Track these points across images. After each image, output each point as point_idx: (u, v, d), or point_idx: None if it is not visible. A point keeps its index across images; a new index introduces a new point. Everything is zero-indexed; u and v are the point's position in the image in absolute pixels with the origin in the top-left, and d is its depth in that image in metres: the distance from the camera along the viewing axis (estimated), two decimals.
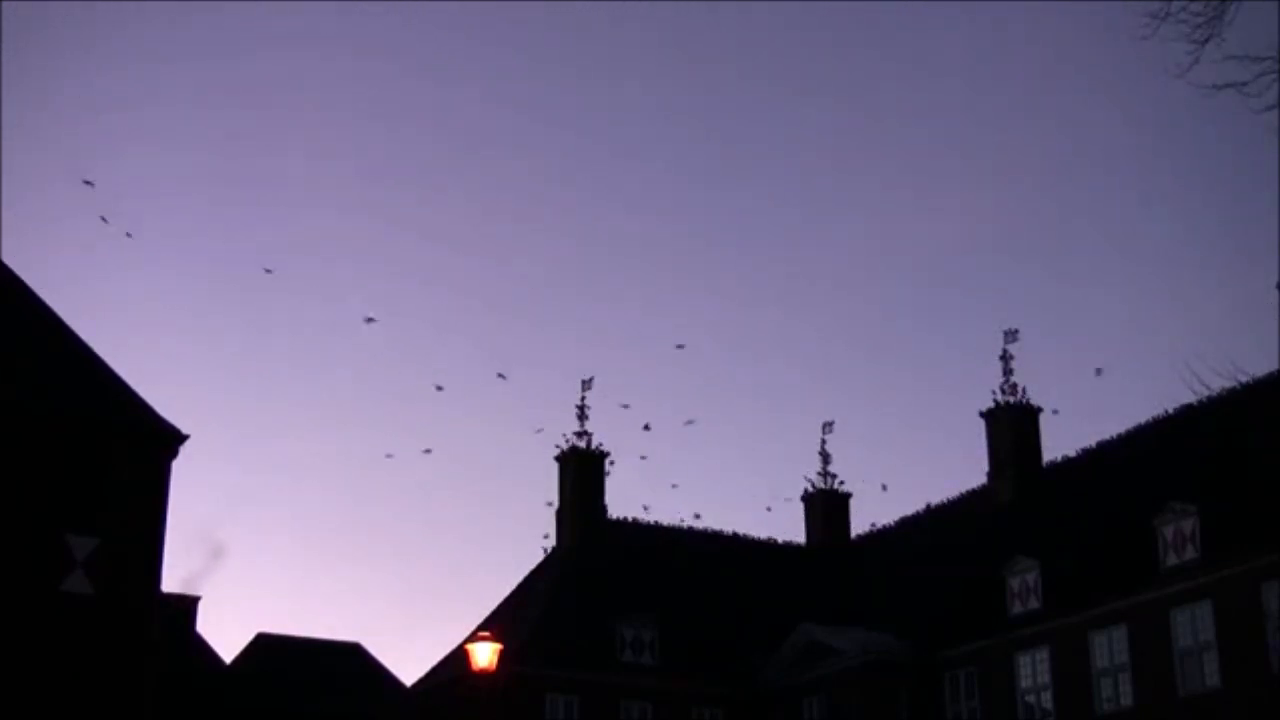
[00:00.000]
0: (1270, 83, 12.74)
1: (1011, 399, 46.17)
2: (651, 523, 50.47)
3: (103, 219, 43.86)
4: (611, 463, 49.10)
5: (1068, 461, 44.83)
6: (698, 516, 50.53)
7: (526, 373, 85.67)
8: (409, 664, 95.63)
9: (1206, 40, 12.68)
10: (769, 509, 51.45)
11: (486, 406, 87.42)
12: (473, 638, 25.80)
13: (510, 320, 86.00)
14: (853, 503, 53.40)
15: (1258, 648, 33.54)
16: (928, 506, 49.40)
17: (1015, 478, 45.36)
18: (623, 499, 62.43)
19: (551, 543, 49.58)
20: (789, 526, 54.19)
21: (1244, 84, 12.85)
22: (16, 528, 30.17)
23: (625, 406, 50.92)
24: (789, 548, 52.27)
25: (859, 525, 52.92)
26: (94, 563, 30.64)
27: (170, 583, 43.75)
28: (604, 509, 49.26)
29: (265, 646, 43.14)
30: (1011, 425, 45.97)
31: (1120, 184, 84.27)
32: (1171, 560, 35.97)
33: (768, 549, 51.63)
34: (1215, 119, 74.37)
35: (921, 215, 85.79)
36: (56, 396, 31.89)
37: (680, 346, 51.09)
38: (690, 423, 50.74)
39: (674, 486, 50.82)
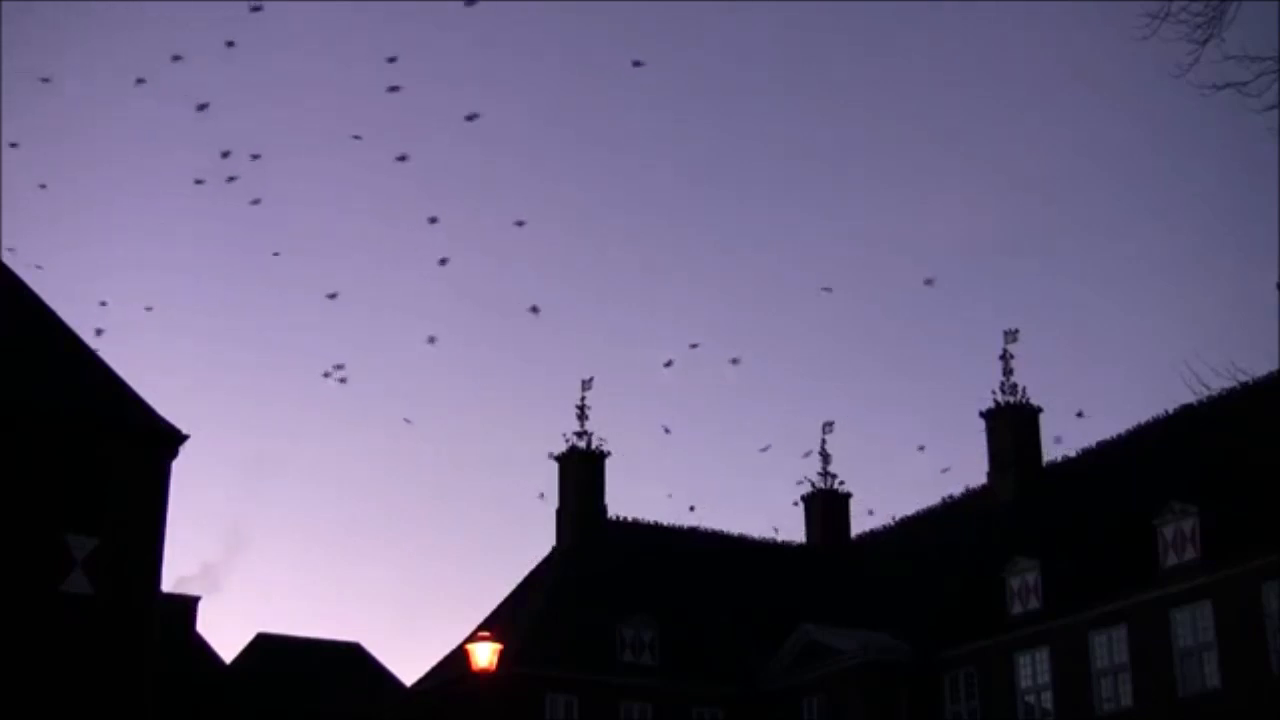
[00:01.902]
0: (1270, 83, 12.74)
1: (1011, 399, 46.20)
2: (651, 523, 50.49)
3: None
4: (609, 454, 49.10)
5: (1068, 461, 44.84)
6: (692, 508, 50.54)
7: (527, 373, 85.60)
8: (409, 664, 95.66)
9: (1206, 40, 12.68)
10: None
11: (487, 406, 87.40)
12: (473, 638, 25.79)
13: (511, 320, 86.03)
14: (853, 503, 53.51)
15: (1258, 648, 33.53)
16: (928, 507, 49.48)
17: (1015, 478, 45.38)
18: (623, 499, 62.53)
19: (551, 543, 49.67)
20: (789, 526, 54.23)
21: (1244, 84, 12.85)
22: (16, 528, 30.18)
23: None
24: (789, 548, 52.27)
25: (859, 525, 53.03)
26: (94, 563, 30.65)
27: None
28: (604, 509, 49.29)
29: (265, 646, 43.17)
30: (1011, 425, 45.98)
31: (1120, 184, 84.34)
32: (1171, 560, 35.96)
33: (768, 549, 51.63)
34: (1215, 119, 74.40)
35: (921, 215, 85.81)
36: (56, 396, 31.90)
37: (668, 364, 51.18)
38: (668, 431, 50.93)
39: (669, 496, 50.93)
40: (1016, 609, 40.08)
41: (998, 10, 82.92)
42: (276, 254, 69.50)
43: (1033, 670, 39.25)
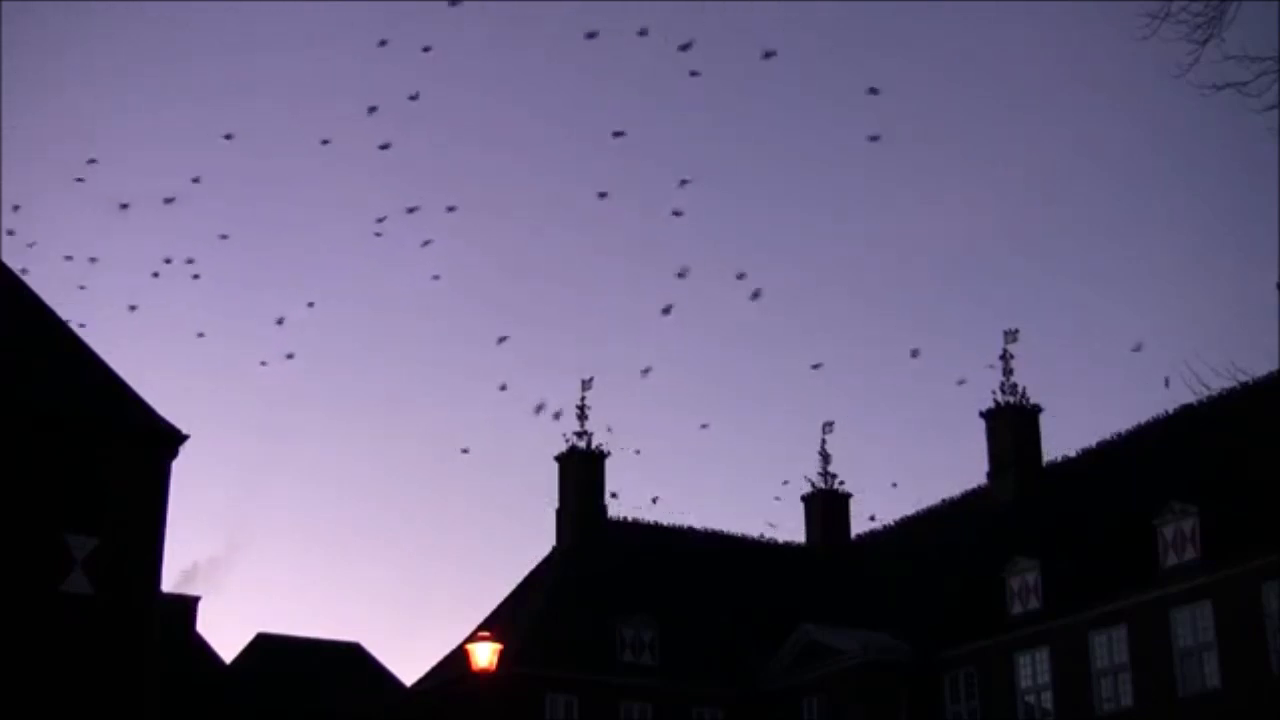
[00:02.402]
0: (1270, 83, 12.75)
1: (1011, 399, 46.21)
2: (651, 523, 50.51)
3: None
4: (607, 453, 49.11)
5: (1068, 461, 44.85)
6: (653, 499, 50.80)
7: (527, 373, 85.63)
8: (409, 664, 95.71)
9: (1206, 40, 12.68)
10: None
11: (487, 406, 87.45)
12: (473, 638, 25.80)
13: (511, 320, 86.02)
14: (853, 503, 53.52)
15: (1258, 648, 33.55)
16: (928, 507, 49.49)
17: (1015, 478, 45.38)
18: (623, 499, 62.45)
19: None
20: (789, 526, 54.22)
21: (1244, 84, 12.86)
22: (16, 528, 30.17)
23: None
24: (789, 548, 52.29)
25: (859, 525, 53.03)
26: (94, 563, 30.63)
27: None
28: (604, 509, 49.31)
29: (265, 646, 43.16)
30: (1011, 425, 45.99)
31: (1120, 184, 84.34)
32: (1171, 560, 35.97)
33: (768, 549, 51.65)
34: (1215, 119, 74.39)
35: (922, 215, 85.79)
36: (56, 396, 31.89)
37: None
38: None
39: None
40: (1016, 609, 40.09)
41: (998, 10, 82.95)
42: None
43: (1033, 670, 39.25)
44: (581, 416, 49.43)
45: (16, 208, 39.16)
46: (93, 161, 44.70)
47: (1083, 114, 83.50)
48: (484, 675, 25.06)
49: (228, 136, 41.18)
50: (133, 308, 45.70)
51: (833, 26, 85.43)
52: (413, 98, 40.61)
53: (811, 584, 49.21)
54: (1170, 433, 40.48)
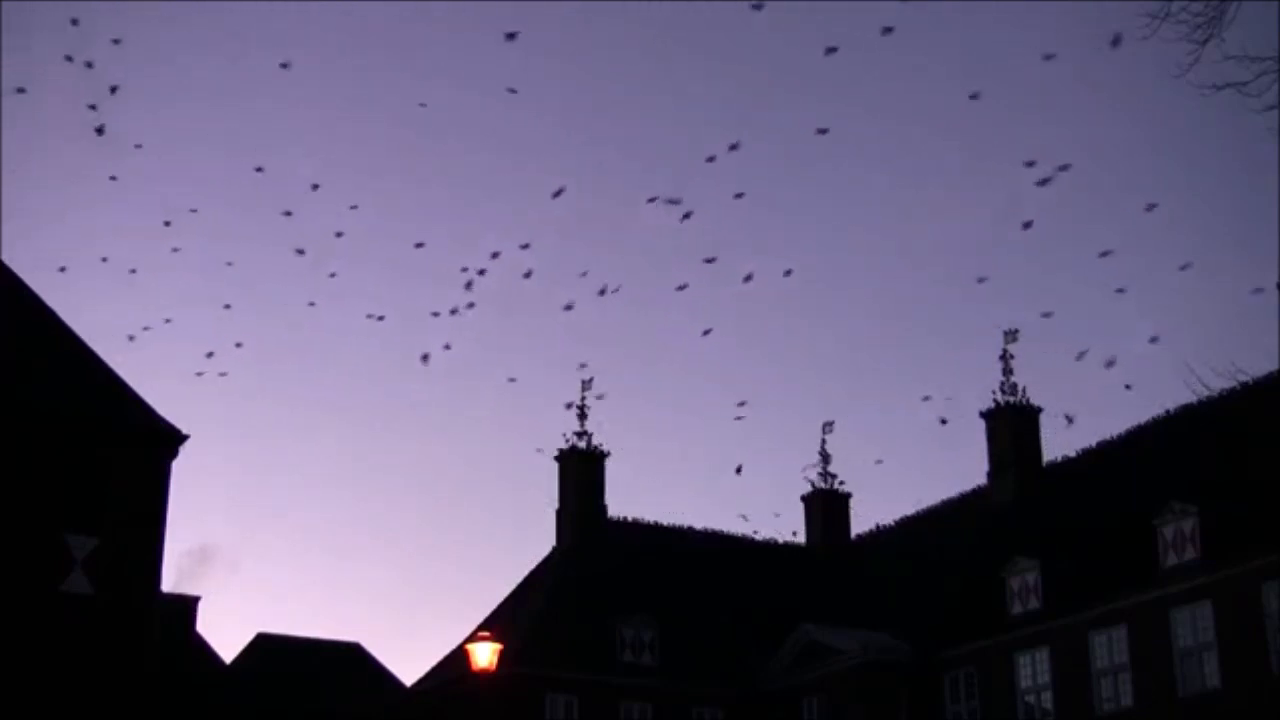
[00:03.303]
0: (1270, 83, 12.76)
1: (1011, 399, 46.22)
2: (651, 523, 50.51)
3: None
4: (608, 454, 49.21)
5: (1068, 461, 44.85)
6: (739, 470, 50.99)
7: (527, 373, 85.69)
8: (409, 664, 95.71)
9: (1206, 40, 12.70)
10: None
11: (487, 406, 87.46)
12: (473, 638, 25.81)
13: (511, 319, 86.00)
14: (853, 503, 53.52)
15: (1258, 648, 33.55)
16: (928, 507, 49.49)
17: (1015, 478, 45.38)
18: (623, 499, 62.54)
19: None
20: (789, 526, 54.23)
21: (1244, 84, 12.88)
22: (16, 528, 30.17)
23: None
24: (789, 548, 52.28)
25: (859, 525, 53.03)
26: (94, 563, 30.64)
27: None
28: (604, 509, 49.31)
29: (265, 646, 43.13)
30: (1011, 425, 46.00)
31: (1120, 185, 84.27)
32: (1171, 560, 35.97)
33: (768, 549, 51.65)
34: (1215, 119, 74.40)
35: (922, 215, 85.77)
36: (57, 396, 31.90)
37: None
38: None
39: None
40: (1016, 609, 40.08)
41: (998, 10, 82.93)
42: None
43: (1033, 670, 39.26)
44: (581, 416, 49.50)
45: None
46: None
47: (1083, 114, 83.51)
48: (484, 675, 25.07)
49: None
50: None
51: (833, 26, 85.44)
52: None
53: (811, 584, 49.21)
54: (1170, 433, 40.47)
